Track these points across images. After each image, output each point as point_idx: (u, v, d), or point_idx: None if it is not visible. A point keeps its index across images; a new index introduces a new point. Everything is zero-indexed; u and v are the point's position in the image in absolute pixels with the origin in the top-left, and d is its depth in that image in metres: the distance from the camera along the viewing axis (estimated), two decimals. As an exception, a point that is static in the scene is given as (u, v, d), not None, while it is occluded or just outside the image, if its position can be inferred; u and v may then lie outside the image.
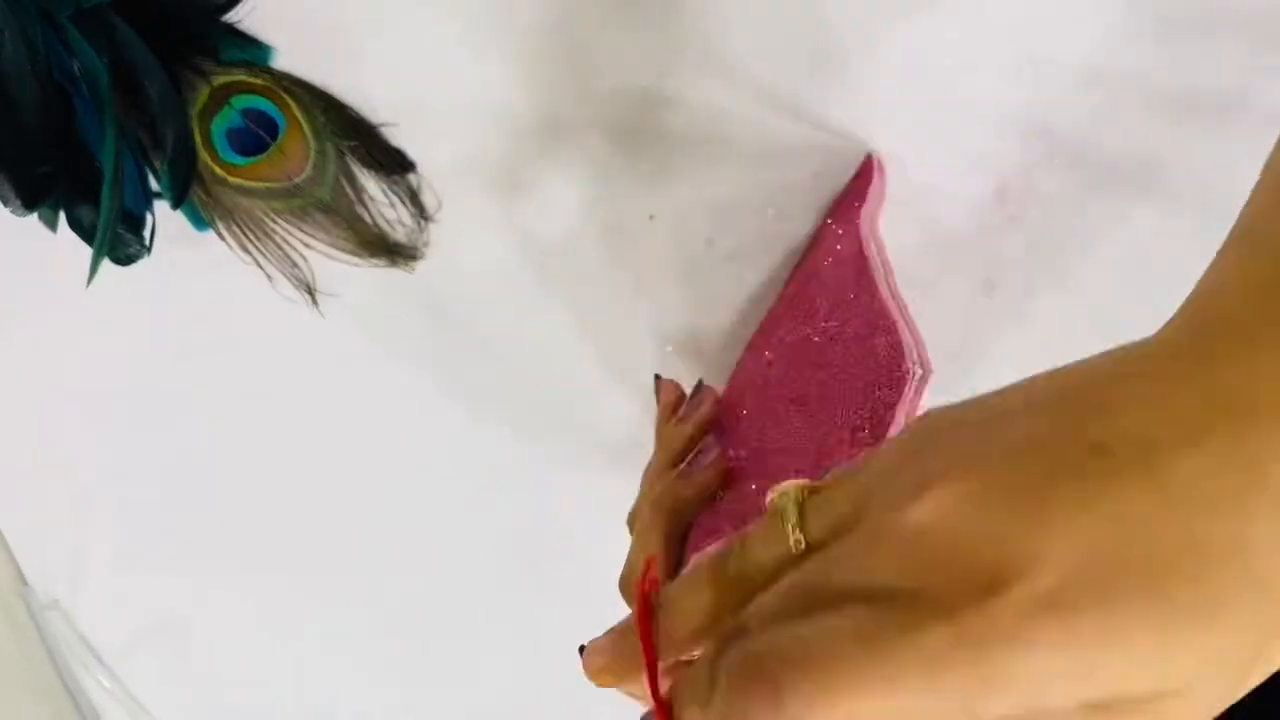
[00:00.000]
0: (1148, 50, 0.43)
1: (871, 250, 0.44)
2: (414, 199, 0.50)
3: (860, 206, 0.44)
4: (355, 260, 0.52)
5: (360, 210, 0.50)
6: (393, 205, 0.50)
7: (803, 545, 0.24)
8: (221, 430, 0.61)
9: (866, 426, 0.34)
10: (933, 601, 0.20)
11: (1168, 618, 0.19)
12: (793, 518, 0.24)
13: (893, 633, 0.20)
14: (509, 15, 0.46)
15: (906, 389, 0.33)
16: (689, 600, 0.27)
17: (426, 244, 0.51)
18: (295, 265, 0.52)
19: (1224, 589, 0.19)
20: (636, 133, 0.48)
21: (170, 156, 0.47)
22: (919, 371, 0.33)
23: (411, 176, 0.50)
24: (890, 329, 0.36)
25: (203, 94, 0.48)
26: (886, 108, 0.46)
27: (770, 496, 0.26)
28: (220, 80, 0.48)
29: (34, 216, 0.49)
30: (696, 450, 0.39)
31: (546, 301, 0.53)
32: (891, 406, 0.33)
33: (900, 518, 0.21)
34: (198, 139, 0.48)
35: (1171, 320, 0.23)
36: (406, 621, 0.67)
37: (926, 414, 0.24)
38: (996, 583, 0.20)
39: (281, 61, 0.48)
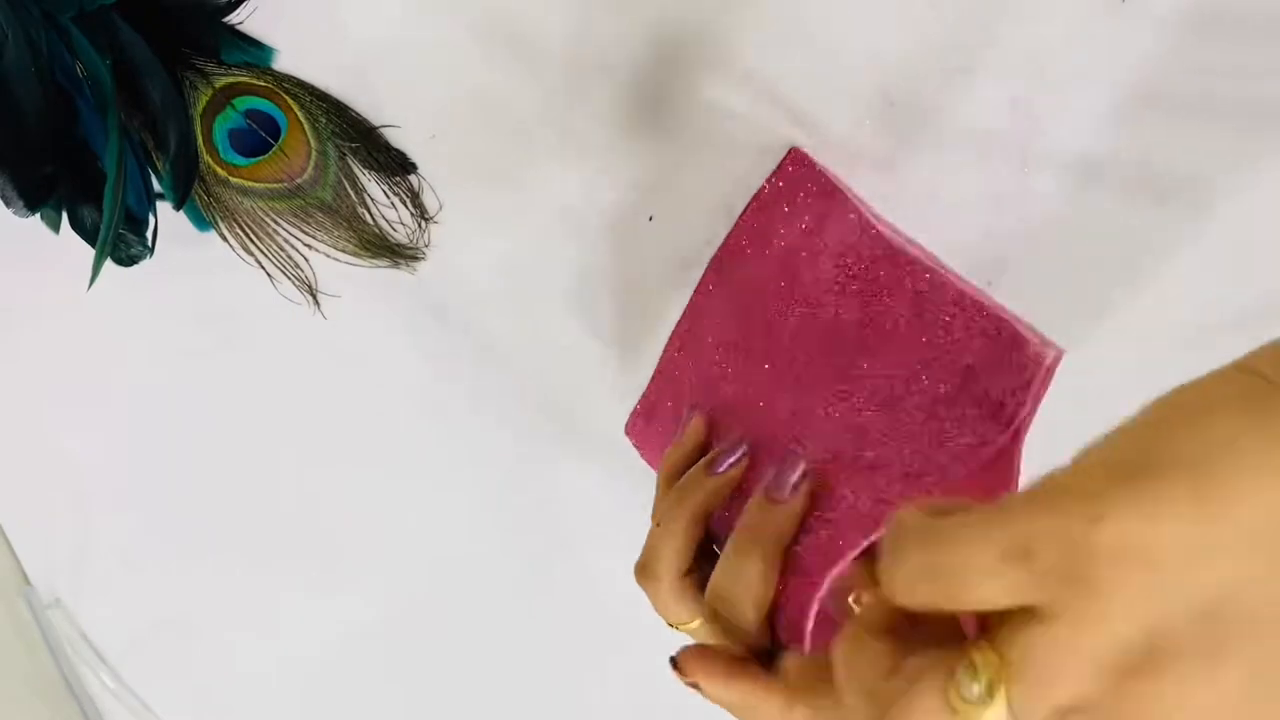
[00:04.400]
0: (1146, 49, 0.43)
1: (845, 187, 0.41)
2: (415, 200, 0.50)
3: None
4: (357, 261, 0.52)
5: (362, 211, 0.50)
6: (394, 206, 0.50)
7: None
8: (223, 430, 0.61)
9: (977, 422, 0.32)
10: None
11: None
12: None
13: None
14: (509, 16, 0.46)
15: (1037, 373, 0.31)
16: None
17: (427, 245, 0.52)
18: (297, 266, 0.52)
19: None
20: (637, 134, 0.48)
21: (173, 157, 0.47)
22: (1052, 353, 0.31)
23: (412, 178, 0.50)
24: (963, 302, 0.34)
25: (205, 95, 0.48)
26: (885, 111, 0.46)
27: (961, 691, 0.24)
28: (222, 81, 0.48)
29: (37, 217, 0.49)
30: (720, 451, 0.39)
31: (547, 302, 0.53)
32: (1021, 391, 0.30)
33: None
34: (200, 140, 0.49)
35: None
36: (408, 619, 0.67)
37: (1132, 588, 0.23)
38: None
39: (283, 63, 0.48)
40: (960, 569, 0.25)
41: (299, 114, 0.48)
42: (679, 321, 0.49)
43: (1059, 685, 0.23)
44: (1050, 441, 0.54)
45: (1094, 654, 0.23)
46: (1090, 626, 0.23)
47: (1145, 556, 0.23)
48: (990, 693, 0.24)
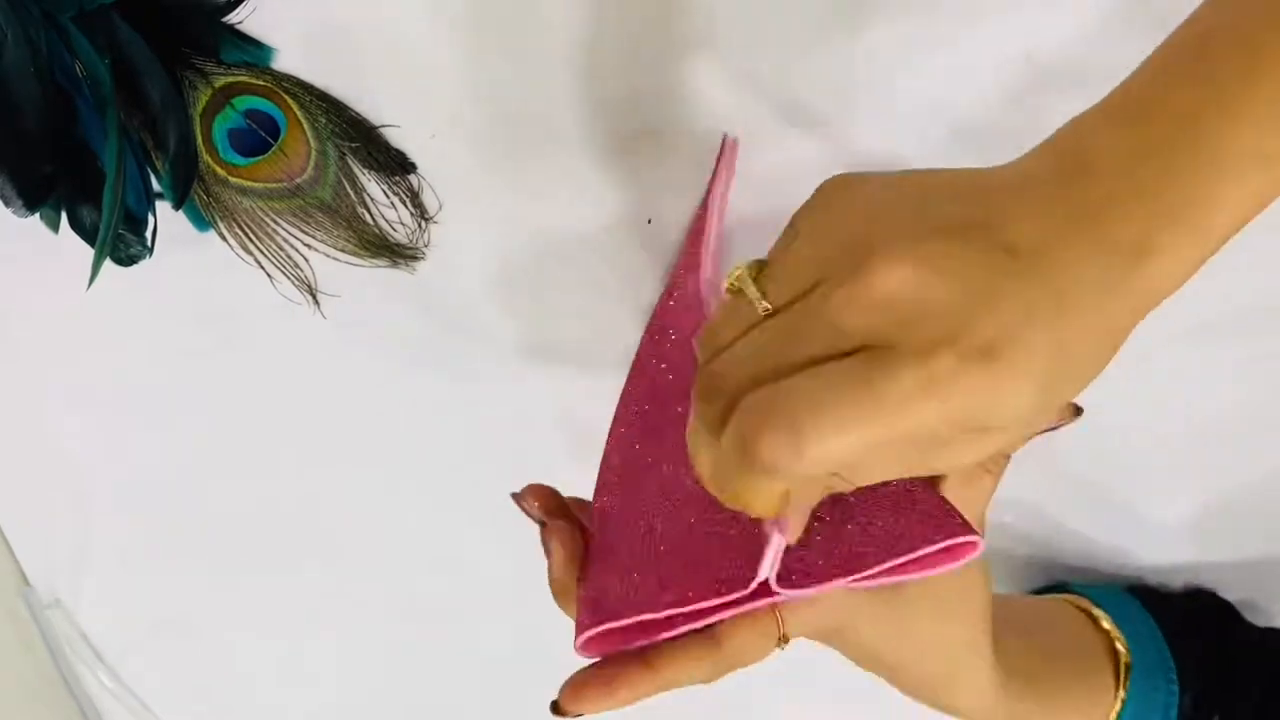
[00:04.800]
0: (1147, 50, 0.43)
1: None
2: (415, 200, 0.50)
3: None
4: (356, 261, 0.52)
5: (361, 211, 0.50)
6: (393, 206, 0.50)
7: (770, 310, 0.29)
8: (223, 429, 0.61)
9: None
10: (907, 351, 0.26)
11: (1058, 369, 0.27)
12: (755, 289, 0.29)
13: (877, 376, 0.26)
14: (510, 17, 0.46)
15: None
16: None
17: (427, 244, 0.52)
18: (296, 265, 0.52)
19: (1086, 354, 0.27)
20: (636, 136, 0.48)
21: (172, 157, 0.47)
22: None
23: (412, 177, 0.50)
24: None
25: (204, 95, 0.48)
26: (886, 111, 0.46)
27: (725, 281, 0.30)
28: (222, 81, 0.48)
29: (36, 217, 0.49)
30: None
31: (546, 303, 0.53)
32: None
33: (870, 284, 0.26)
34: (199, 139, 0.49)
35: (1043, 148, 0.29)
36: (408, 618, 0.67)
37: (840, 187, 0.30)
38: (951, 337, 0.26)
39: (282, 62, 0.48)
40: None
41: (298, 113, 0.48)
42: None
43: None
44: (1048, 438, 0.54)
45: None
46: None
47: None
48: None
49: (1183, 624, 0.51)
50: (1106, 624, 0.49)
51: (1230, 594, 0.55)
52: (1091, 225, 0.27)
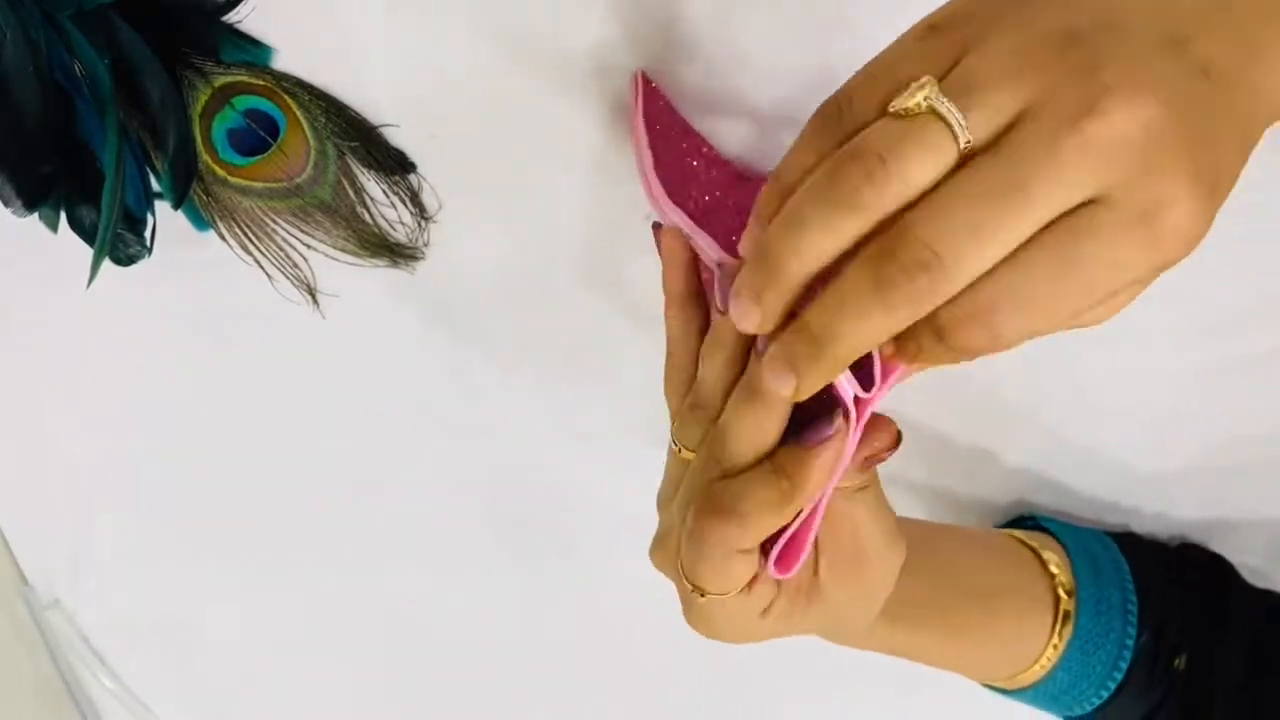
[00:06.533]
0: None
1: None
2: (414, 199, 0.50)
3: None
4: (356, 260, 0.52)
5: (361, 210, 0.50)
6: (393, 205, 0.50)
7: (970, 145, 0.25)
8: (222, 429, 0.61)
9: None
10: (1132, 208, 0.24)
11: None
12: (956, 115, 0.25)
13: (1087, 248, 0.24)
14: (510, 16, 0.46)
15: None
16: (820, 233, 0.27)
17: (427, 244, 0.52)
18: (296, 265, 0.52)
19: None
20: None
21: (171, 156, 0.47)
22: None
23: (412, 177, 0.50)
24: None
25: (204, 94, 0.48)
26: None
27: (905, 102, 0.25)
28: (221, 81, 0.48)
29: (35, 217, 0.49)
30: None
31: (546, 302, 0.53)
32: None
33: (1108, 125, 0.23)
34: (199, 139, 0.49)
35: None
36: (409, 619, 0.67)
37: None
38: (1184, 187, 0.24)
39: (282, 62, 0.48)
40: (889, 65, 0.27)
41: (298, 113, 0.48)
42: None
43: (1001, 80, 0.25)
44: (1052, 438, 0.54)
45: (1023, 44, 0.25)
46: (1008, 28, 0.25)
47: None
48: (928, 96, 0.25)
49: (1162, 567, 0.51)
50: (1054, 568, 0.49)
51: (1231, 556, 0.55)
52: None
